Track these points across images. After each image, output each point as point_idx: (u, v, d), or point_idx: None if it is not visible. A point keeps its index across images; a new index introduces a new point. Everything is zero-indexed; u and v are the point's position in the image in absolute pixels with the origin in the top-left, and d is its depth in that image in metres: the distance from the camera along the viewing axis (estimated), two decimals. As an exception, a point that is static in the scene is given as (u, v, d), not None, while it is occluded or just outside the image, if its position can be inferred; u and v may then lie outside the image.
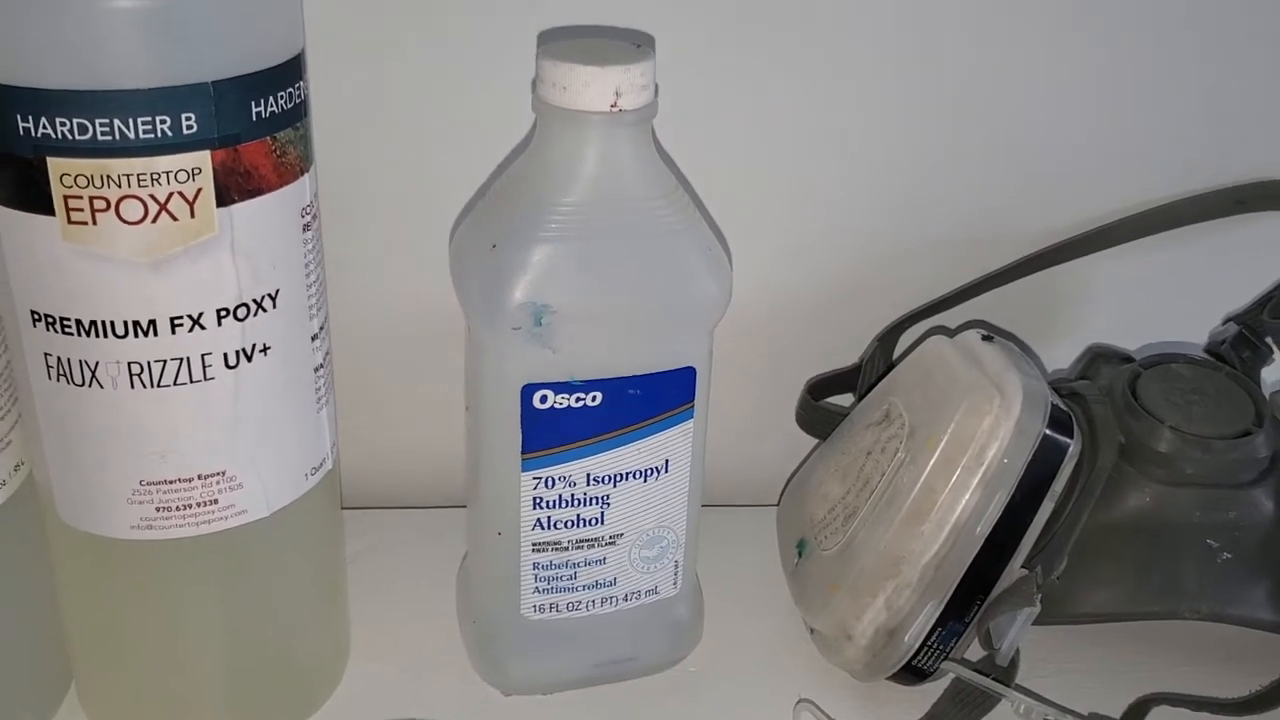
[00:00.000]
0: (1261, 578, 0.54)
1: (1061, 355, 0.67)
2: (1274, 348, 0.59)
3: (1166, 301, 0.67)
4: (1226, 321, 0.63)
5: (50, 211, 0.40)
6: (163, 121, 0.39)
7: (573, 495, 0.51)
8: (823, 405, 0.64)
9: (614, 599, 0.54)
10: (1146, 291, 0.67)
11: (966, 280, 0.64)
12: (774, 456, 0.66)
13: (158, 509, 0.45)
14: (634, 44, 0.47)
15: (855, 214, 0.64)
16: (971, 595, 0.52)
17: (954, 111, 0.62)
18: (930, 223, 0.64)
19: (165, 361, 0.43)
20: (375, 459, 0.66)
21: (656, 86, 0.47)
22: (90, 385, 0.43)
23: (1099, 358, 0.61)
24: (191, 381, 0.43)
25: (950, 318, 0.64)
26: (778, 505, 0.62)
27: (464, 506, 0.56)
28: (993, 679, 0.51)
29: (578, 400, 0.49)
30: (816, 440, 0.63)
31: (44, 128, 0.39)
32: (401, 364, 0.64)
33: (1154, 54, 0.61)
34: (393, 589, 0.60)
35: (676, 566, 0.54)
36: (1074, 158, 0.64)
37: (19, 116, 0.39)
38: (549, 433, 0.49)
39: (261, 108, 0.41)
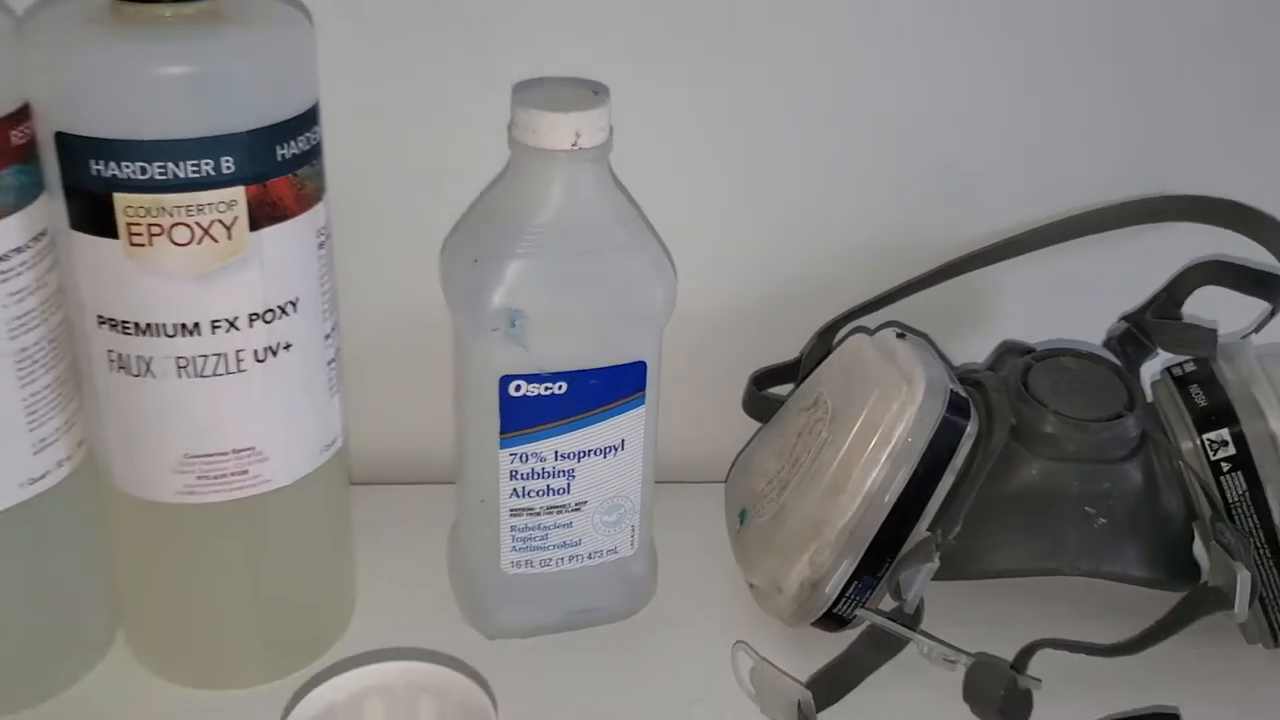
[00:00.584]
0: (1132, 540, 0.64)
1: (979, 349, 0.76)
2: (1155, 344, 0.68)
3: (1073, 302, 0.76)
4: (1120, 320, 0.72)
5: (115, 235, 0.49)
6: (206, 164, 0.49)
7: (543, 469, 0.60)
8: (765, 394, 0.73)
9: (579, 557, 0.63)
10: (1055, 293, 0.76)
11: (897, 283, 0.74)
12: (723, 439, 0.74)
13: (198, 478, 0.54)
14: (593, 91, 0.57)
15: (795, 226, 0.73)
16: (882, 554, 0.61)
17: (881, 134, 0.71)
18: (863, 233, 0.73)
19: (207, 357, 0.52)
20: (378, 441, 0.75)
21: (611, 127, 0.56)
22: (144, 376, 0.52)
23: (1008, 352, 0.70)
24: (228, 373, 0.53)
25: (884, 315, 0.73)
26: (725, 481, 0.72)
27: (453, 482, 0.65)
28: (901, 625, 0.61)
29: (546, 389, 0.58)
30: (759, 424, 0.72)
31: (111, 169, 0.48)
32: (400, 359, 0.73)
33: (1062, 76, 0.70)
34: (392, 550, 0.69)
35: (633, 530, 0.64)
36: (993, 174, 0.73)
37: (92, 161, 0.48)
38: (523, 416, 0.59)
39: (285, 150, 0.51)
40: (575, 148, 0.55)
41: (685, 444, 0.73)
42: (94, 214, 0.49)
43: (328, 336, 0.57)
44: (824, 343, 0.73)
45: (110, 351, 0.52)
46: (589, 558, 0.63)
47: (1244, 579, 0.60)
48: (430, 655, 0.52)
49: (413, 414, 0.74)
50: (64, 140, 0.49)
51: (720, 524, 0.70)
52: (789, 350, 0.74)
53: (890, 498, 0.60)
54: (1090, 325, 0.74)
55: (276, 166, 0.51)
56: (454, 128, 0.67)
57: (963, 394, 0.62)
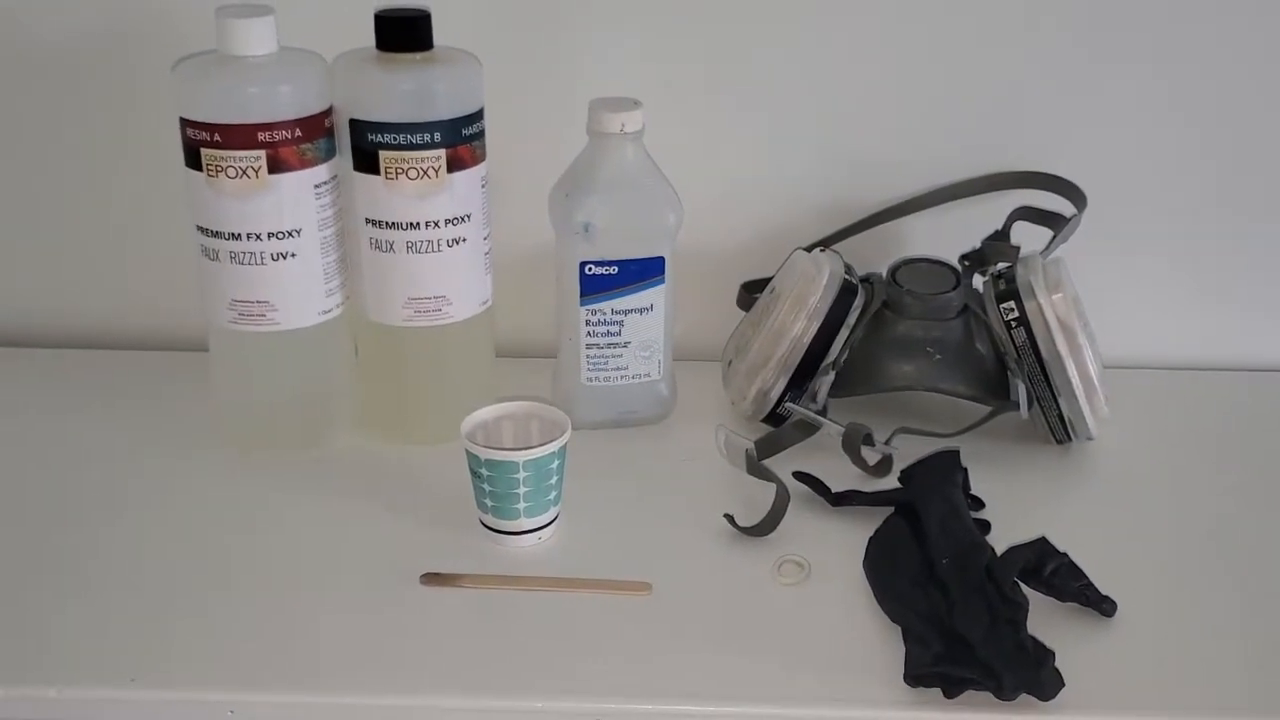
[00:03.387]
0: (958, 369, 1.04)
1: (891, 270, 1.18)
2: (988, 256, 1.09)
3: (948, 236, 1.16)
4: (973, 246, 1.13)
5: (378, 174, 0.94)
6: (424, 137, 0.94)
7: (604, 319, 1.03)
8: (751, 295, 1.16)
9: (627, 376, 1.06)
10: (937, 231, 1.17)
11: (838, 228, 1.16)
12: (724, 326, 1.17)
13: (415, 311, 0.99)
14: (634, 102, 1.01)
15: (767, 192, 1.16)
16: (804, 375, 1.03)
17: (824, 133, 1.14)
18: (813, 195, 1.17)
19: (421, 242, 0.97)
20: (507, 320, 1.18)
21: (644, 122, 1.00)
22: (388, 252, 0.97)
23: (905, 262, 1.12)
24: (431, 252, 0.97)
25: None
26: (724, 349, 1.14)
27: (550, 356, 1.09)
28: (814, 414, 1.03)
29: (605, 270, 1.02)
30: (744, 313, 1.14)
31: (377, 138, 0.93)
32: (525, 258, 1.16)
33: (947, 75, 1.13)
34: (517, 387, 1.12)
35: (659, 362, 1.07)
36: (900, 158, 1.15)
37: (368, 133, 0.93)
38: (593, 287, 1.02)
39: (467, 131, 0.96)
40: (622, 132, 0.99)
41: (700, 331, 1.17)
42: (367, 162, 0.94)
43: (485, 238, 1.01)
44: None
45: (370, 238, 0.97)
46: (633, 377, 1.06)
47: (1021, 389, 1.01)
48: (536, 398, 0.96)
49: (532, 299, 1.17)
50: (354, 123, 0.94)
51: (717, 373, 1.13)
52: (770, 268, 1.17)
53: (807, 339, 1.02)
54: (958, 249, 1.16)
55: (461, 139, 0.95)
56: (557, 124, 1.10)
57: (854, 281, 1.04)
